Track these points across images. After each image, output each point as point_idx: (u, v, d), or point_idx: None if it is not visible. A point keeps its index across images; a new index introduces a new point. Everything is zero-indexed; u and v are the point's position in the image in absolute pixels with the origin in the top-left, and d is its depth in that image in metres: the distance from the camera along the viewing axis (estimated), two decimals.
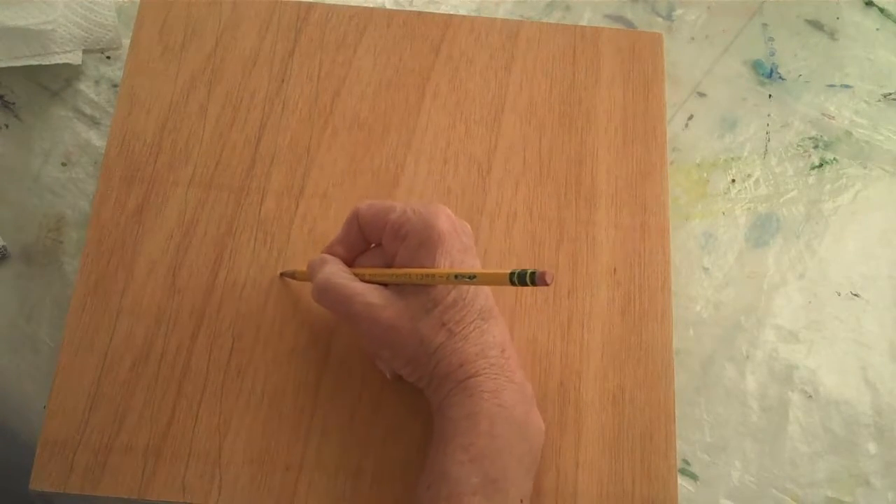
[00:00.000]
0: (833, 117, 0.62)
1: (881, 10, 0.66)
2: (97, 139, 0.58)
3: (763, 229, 0.59)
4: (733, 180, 0.60)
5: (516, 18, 0.64)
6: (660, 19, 0.65)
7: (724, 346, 0.55)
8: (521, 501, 0.43)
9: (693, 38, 0.65)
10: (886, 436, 0.54)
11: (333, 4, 0.61)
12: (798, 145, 0.62)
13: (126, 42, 0.59)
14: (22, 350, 0.53)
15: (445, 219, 0.46)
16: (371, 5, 0.62)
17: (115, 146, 0.55)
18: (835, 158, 0.61)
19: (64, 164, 0.58)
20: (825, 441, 0.53)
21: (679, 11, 0.66)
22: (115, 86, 0.60)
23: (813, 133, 0.62)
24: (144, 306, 0.51)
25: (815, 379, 0.55)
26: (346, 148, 0.56)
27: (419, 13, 0.61)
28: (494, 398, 0.44)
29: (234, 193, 0.55)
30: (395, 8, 0.64)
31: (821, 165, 0.61)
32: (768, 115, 0.62)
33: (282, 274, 0.52)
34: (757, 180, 0.60)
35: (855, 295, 0.57)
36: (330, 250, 0.49)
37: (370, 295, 0.46)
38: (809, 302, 0.57)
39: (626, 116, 0.58)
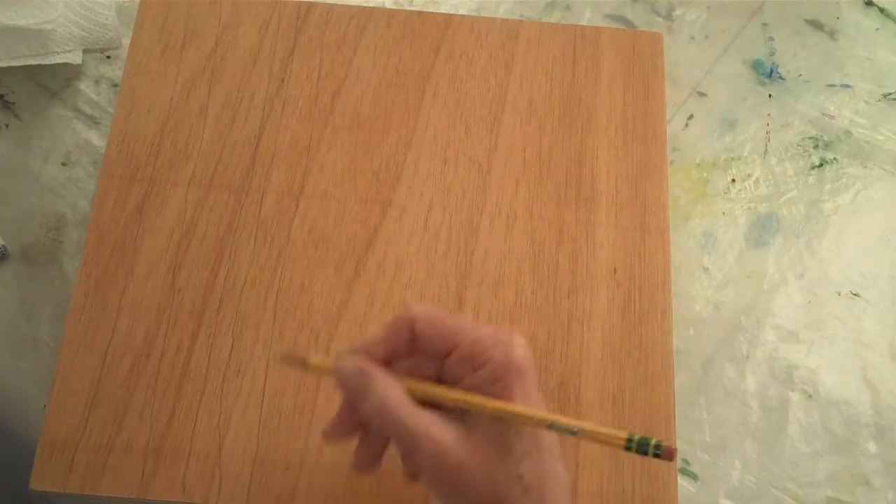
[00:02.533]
0: (833, 117, 0.62)
1: (881, 10, 0.66)
2: (97, 139, 0.58)
3: (763, 229, 0.59)
4: (733, 180, 0.60)
5: (516, 18, 0.64)
6: (660, 19, 0.65)
7: (724, 346, 0.55)
8: None
9: (693, 38, 0.65)
10: (886, 436, 0.54)
11: (333, 4, 0.61)
12: (798, 145, 0.62)
13: (126, 42, 0.59)
14: (22, 350, 0.53)
15: (522, 349, 0.40)
16: (371, 5, 0.62)
17: (115, 146, 0.55)
18: (835, 158, 0.61)
19: (64, 164, 0.58)
20: (825, 441, 0.53)
21: (679, 11, 0.66)
22: (115, 86, 0.60)
23: (813, 133, 0.62)
24: (144, 306, 0.51)
25: (815, 379, 0.55)
26: (346, 148, 0.56)
27: (419, 13, 0.61)
28: None
29: (234, 193, 0.55)
30: (395, 8, 0.64)
31: (821, 165, 0.61)
32: (768, 115, 0.62)
33: (283, 357, 0.44)
34: (757, 180, 0.60)
35: (855, 295, 0.57)
36: (367, 349, 0.42)
37: (438, 432, 0.39)
38: (809, 302, 0.57)
39: (626, 116, 0.58)
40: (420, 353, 0.42)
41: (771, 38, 0.65)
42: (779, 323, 0.56)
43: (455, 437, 0.39)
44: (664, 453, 0.36)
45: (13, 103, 0.59)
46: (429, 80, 0.59)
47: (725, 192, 0.60)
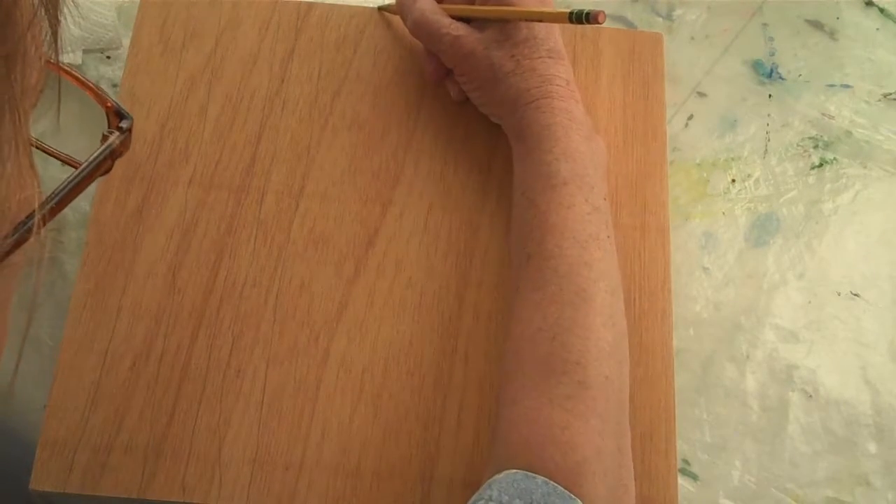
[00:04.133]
0: (833, 117, 0.62)
1: (881, 10, 0.66)
2: None
3: (763, 229, 0.59)
4: (733, 180, 0.60)
5: None
6: (660, 19, 0.65)
7: (724, 346, 0.55)
8: (604, 199, 0.49)
9: (693, 38, 0.65)
10: (886, 436, 0.54)
11: (333, 4, 0.61)
12: (798, 145, 0.62)
13: (126, 42, 0.59)
14: (22, 350, 0.53)
15: None
16: (371, 5, 0.62)
17: None
18: (835, 158, 0.61)
19: (64, 164, 0.58)
20: (825, 441, 0.53)
21: (679, 11, 0.66)
22: (115, 86, 0.60)
23: (813, 133, 0.62)
24: (144, 306, 0.51)
25: (815, 379, 0.55)
26: (346, 148, 0.56)
27: None
28: (565, 114, 0.50)
29: (234, 193, 0.55)
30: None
31: (821, 165, 0.61)
32: (768, 115, 0.62)
33: (380, 7, 0.60)
34: (757, 180, 0.60)
35: (855, 295, 0.57)
36: None
37: (455, 29, 0.53)
38: (809, 302, 0.57)
39: (626, 116, 0.58)
40: None
41: (771, 38, 0.65)
42: (779, 323, 0.56)
43: (469, 32, 0.53)
44: (592, 19, 0.47)
45: None
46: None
47: (725, 192, 0.60)
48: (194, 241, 0.53)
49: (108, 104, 0.33)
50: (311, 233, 0.54)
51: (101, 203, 0.54)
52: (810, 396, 0.54)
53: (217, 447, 0.48)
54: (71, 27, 0.58)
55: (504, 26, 0.52)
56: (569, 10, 0.48)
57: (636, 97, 0.59)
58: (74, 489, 0.47)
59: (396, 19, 0.60)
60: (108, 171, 0.33)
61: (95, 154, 0.32)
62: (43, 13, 0.24)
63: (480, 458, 0.49)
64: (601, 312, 0.45)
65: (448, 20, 0.54)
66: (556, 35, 0.53)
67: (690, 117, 0.62)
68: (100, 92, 0.34)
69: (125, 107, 0.33)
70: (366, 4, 0.62)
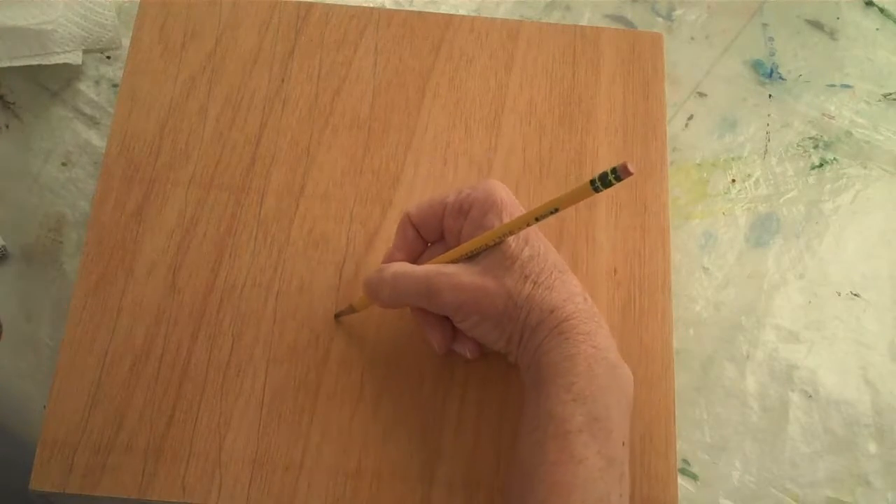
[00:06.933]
0: (833, 117, 0.62)
1: (881, 10, 0.66)
2: (97, 139, 0.58)
3: (763, 229, 0.59)
4: (733, 180, 0.60)
5: (516, 18, 0.64)
6: (660, 19, 0.65)
7: (724, 346, 0.55)
8: (623, 444, 0.43)
9: (693, 38, 0.65)
10: (886, 436, 0.54)
11: (333, 4, 0.61)
12: (798, 145, 0.62)
13: (126, 42, 0.59)
14: (22, 350, 0.53)
15: (502, 188, 0.48)
16: (371, 5, 0.62)
17: (115, 146, 0.55)
18: (835, 158, 0.61)
19: (64, 164, 0.58)
20: (825, 441, 0.53)
21: (679, 11, 0.66)
22: (115, 86, 0.60)
23: (813, 133, 0.62)
24: (144, 306, 0.51)
25: (815, 379, 0.55)
26: (346, 148, 0.56)
27: (419, 13, 0.61)
28: (589, 340, 0.44)
29: (234, 193, 0.55)
30: (395, 8, 0.64)
31: (821, 165, 0.61)
32: (768, 115, 0.62)
33: (337, 315, 0.51)
34: (757, 180, 0.60)
35: (855, 295, 0.57)
36: (389, 259, 0.49)
37: (446, 269, 0.46)
38: (809, 302, 0.57)
39: (626, 116, 0.58)
40: (432, 244, 0.50)
41: (771, 38, 0.65)
42: (779, 323, 0.56)
43: (463, 269, 0.46)
44: (621, 172, 0.38)
45: (13, 103, 0.59)
46: (429, 80, 0.59)
47: (725, 193, 0.60)
48: (194, 241, 0.53)
49: None
50: (311, 233, 0.54)
51: (101, 203, 0.54)
52: (810, 396, 0.54)
53: (217, 447, 0.48)
54: (71, 27, 0.58)
55: (503, 249, 0.46)
56: (590, 180, 0.40)
57: (636, 97, 0.59)
58: (74, 489, 0.47)
59: (395, 20, 0.60)
60: None
61: None
62: None
63: (480, 458, 0.49)
64: None
65: (428, 266, 0.47)
66: (551, 246, 0.48)
67: (690, 117, 0.62)
68: None
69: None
70: (366, 4, 0.62)
